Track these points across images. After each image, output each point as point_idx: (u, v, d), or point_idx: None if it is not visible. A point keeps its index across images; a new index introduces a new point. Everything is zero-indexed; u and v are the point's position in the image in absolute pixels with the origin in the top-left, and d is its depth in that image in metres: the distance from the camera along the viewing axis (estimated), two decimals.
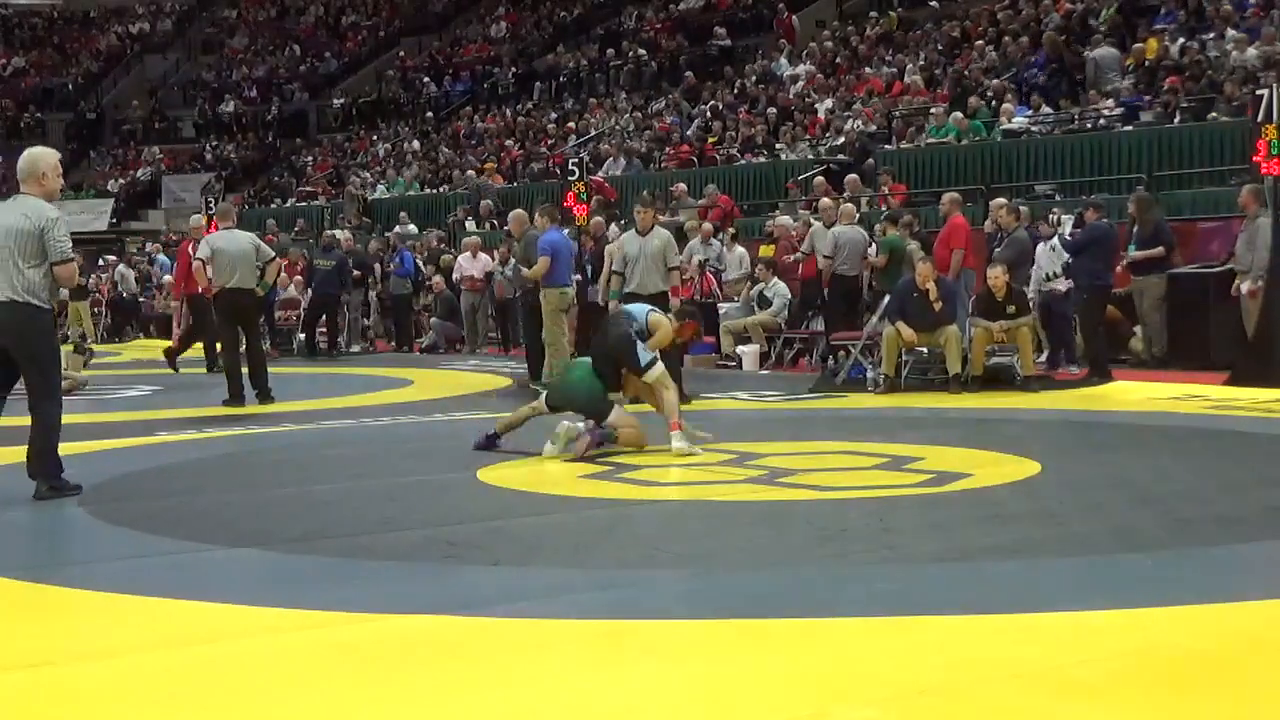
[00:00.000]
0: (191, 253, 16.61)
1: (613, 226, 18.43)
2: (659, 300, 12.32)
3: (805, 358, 16.02)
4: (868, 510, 6.94)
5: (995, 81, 21.40)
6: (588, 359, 9.65)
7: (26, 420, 7.72)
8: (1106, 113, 19.10)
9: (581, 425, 9.17)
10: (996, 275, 13.01)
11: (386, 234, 25.24)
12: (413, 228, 24.96)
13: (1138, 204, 14.25)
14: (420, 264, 21.78)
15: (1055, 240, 14.58)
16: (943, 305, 12.78)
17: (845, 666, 4.29)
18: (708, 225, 18.53)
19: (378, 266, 21.84)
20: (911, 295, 12.96)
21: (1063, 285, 14.13)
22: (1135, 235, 14.20)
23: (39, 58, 48.60)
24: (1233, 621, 4.81)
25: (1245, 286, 13.05)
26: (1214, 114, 17.67)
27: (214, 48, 47.58)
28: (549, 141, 29.50)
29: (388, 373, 16.78)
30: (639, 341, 9.40)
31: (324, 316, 20.35)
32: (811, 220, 16.99)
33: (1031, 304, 13.69)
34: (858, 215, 16.31)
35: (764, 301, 16.52)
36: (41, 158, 7.71)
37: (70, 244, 7.62)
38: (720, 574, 5.68)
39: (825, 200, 16.27)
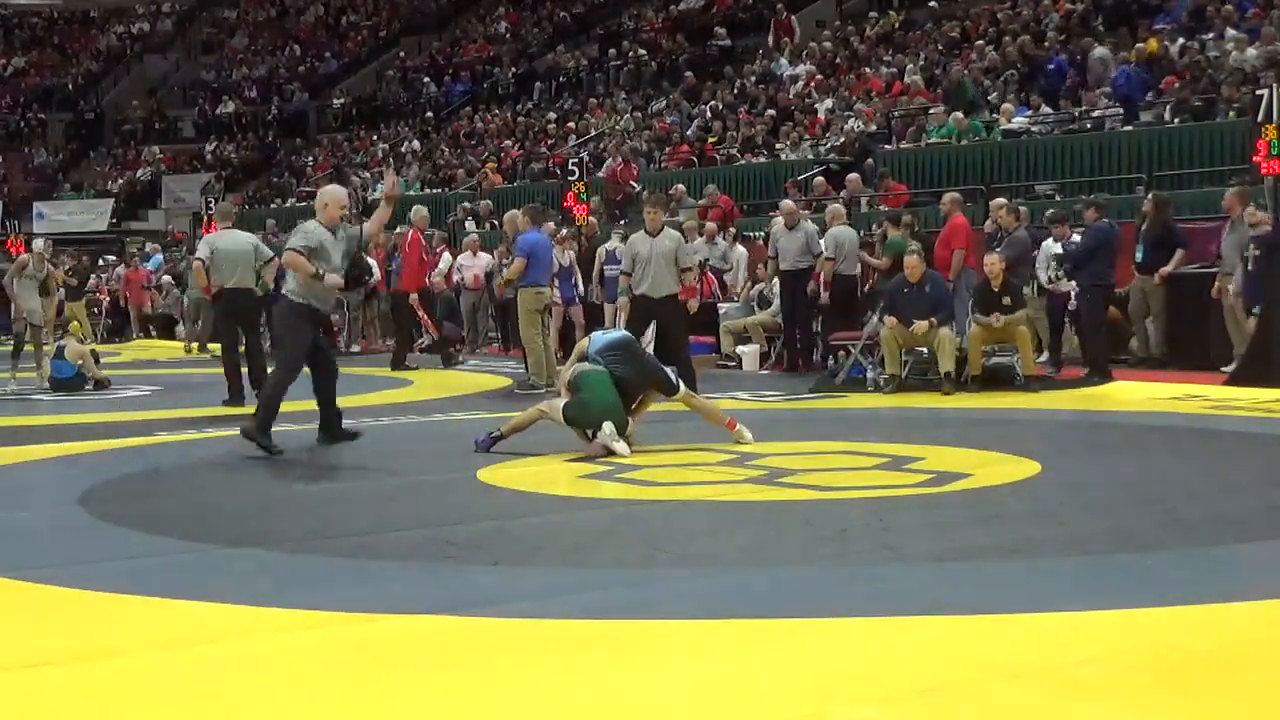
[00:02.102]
0: (423, 244, 16.70)
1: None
2: (670, 303, 12.23)
3: (802, 358, 15.95)
4: (868, 510, 6.94)
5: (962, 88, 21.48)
6: (601, 371, 9.40)
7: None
8: (1108, 113, 19.10)
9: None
10: (993, 262, 13.03)
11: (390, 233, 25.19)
12: None
13: (1155, 204, 14.22)
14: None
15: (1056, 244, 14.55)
16: (935, 304, 12.78)
17: (845, 666, 4.29)
18: (711, 225, 18.52)
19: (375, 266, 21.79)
20: (902, 291, 12.98)
21: (1066, 286, 14.09)
22: (1143, 235, 14.19)
23: (39, 58, 48.63)
24: (1233, 621, 4.81)
25: (1233, 288, 13.06)
26: (1214, 114, 17.68)
27: (214, 48, 47.59)
28: (549, 141, 29.50)
29: (388, 373, 16.77)
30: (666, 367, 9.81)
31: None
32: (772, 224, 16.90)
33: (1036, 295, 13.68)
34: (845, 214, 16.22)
35: (764, 301, 16.50)
36: (325, 193, 10.09)
37: (299, 240, 9.70)
38: (720, 574, 5.68)
39: (787, 203, 16.15)
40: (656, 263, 12.19)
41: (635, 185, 22.80)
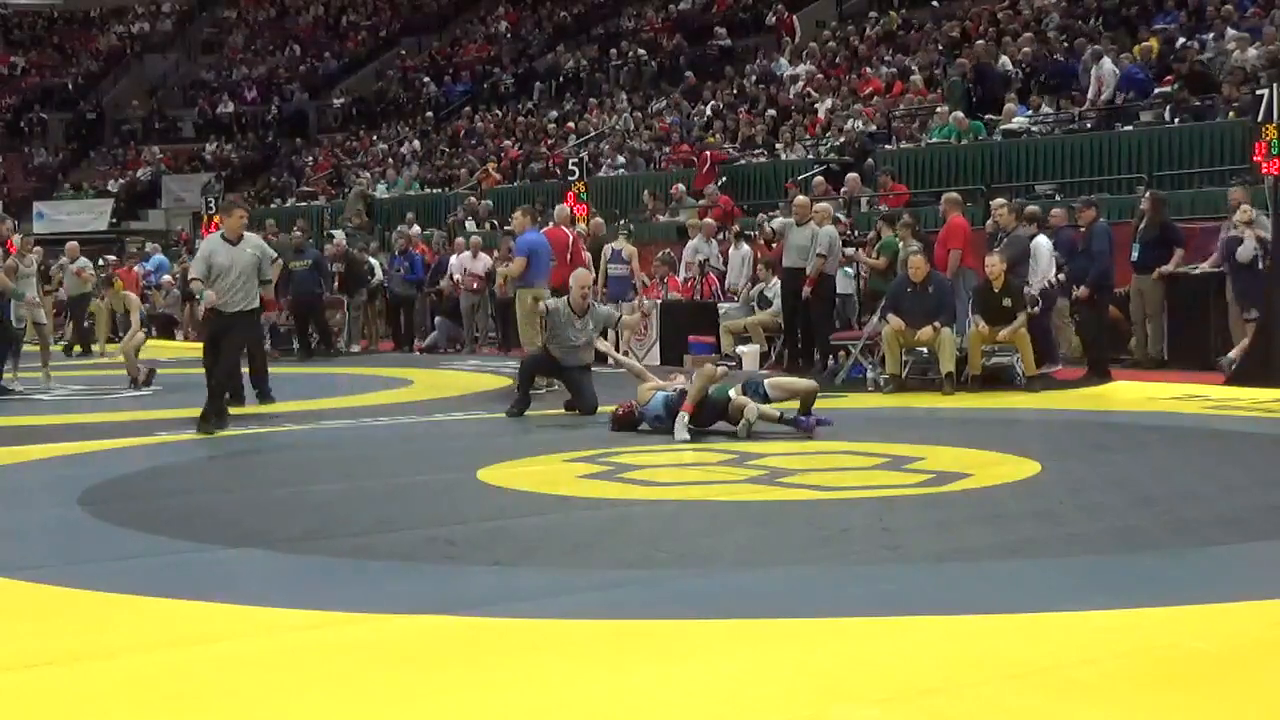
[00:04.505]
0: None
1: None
2: (250, 316, 11.14)
3: (803, 357, 15.94)
4: (868, 510, 6.94)
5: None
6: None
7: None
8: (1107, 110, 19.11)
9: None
10: (994, 263, 13.00)
11: (386, 234, 25.24)
12: (417, 229, 24.94)
13: (1152, 202, 14.23)
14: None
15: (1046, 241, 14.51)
16: (938, 305, 12.77)
17: (846, 666, 4.29)
18: (709, 221, 18.48)
19: (378, 266, 21.79)
20: (906, 291, 12.97)
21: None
22: (1140, 234, 14.19)
23: (39, 58, 48.63)
24: (1233, 621, 4.81)
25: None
26: (1214, 114, 17.68)
27: (214, 48, 47.59)
28: (549, 141, 29.50)
29: (388, 373, 16.77)
30: None
31: (310, 317, 20.34)
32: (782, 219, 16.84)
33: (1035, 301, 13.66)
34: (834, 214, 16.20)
35: (764, 301, 16.49)
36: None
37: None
38: (720, 574, 5.68)
39: (802, 199, 16.15)
40: (235, 275, 10.89)
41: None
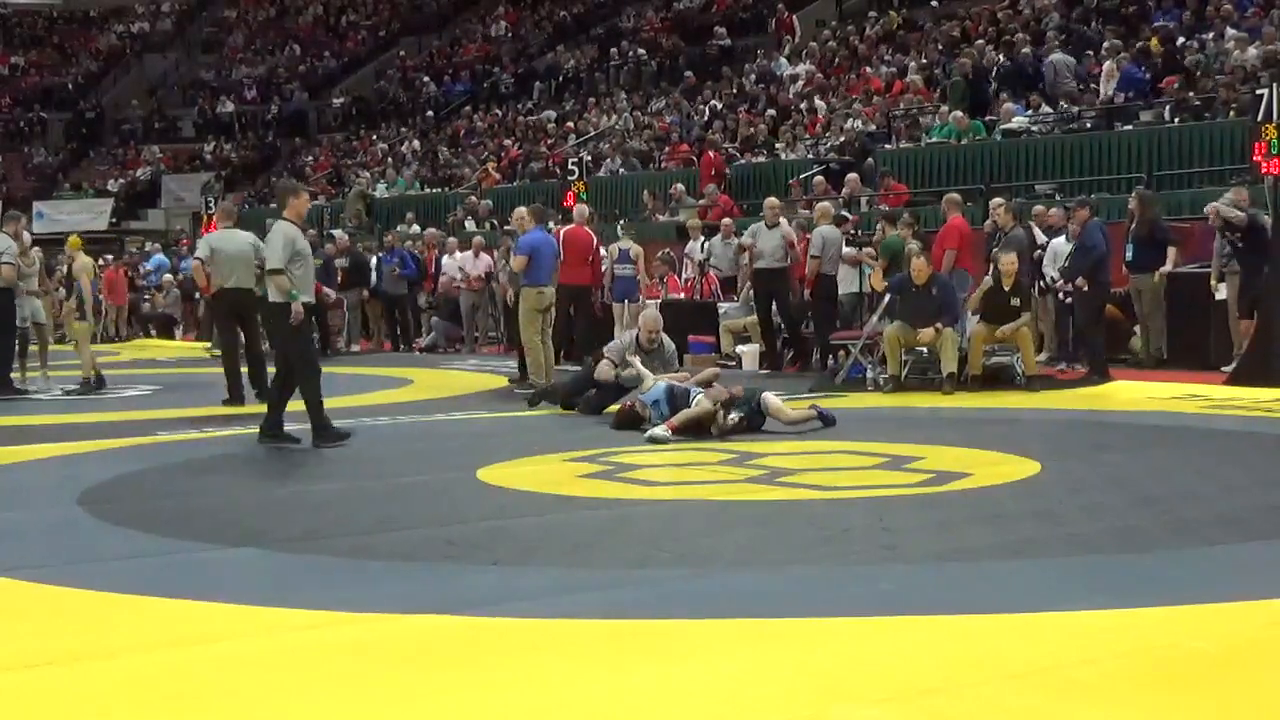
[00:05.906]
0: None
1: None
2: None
3: (800, 360, 15.95)
4: (868, 510, 6.94)
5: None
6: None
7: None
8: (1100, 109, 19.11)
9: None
10: (1010, 262, 12.97)
11: (385, 233, 25.23)
12: (416, 228, 24.94)
13: (1140, 202, 14.23)
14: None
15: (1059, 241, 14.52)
16: (941, 304, 12.77)
17: (846, 666, 4.29)
18: (727, 221, 18.48)
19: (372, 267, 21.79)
20: (910, 291, 12.96)
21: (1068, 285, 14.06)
22: (1131, 234, 14.19)
23: (39, 57, 48.67)
24: (1233, 621, 4.81)
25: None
26: (1214, 114, 17.68)
27: (214, 47, 47.64)
28: (549, 141, 29.51)
29: (388, 373, 16.77)
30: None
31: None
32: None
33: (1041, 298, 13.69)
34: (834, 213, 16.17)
35: None
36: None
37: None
38: (720, 574, 5.68)
39: (771, 200, 16.12)
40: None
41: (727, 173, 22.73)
